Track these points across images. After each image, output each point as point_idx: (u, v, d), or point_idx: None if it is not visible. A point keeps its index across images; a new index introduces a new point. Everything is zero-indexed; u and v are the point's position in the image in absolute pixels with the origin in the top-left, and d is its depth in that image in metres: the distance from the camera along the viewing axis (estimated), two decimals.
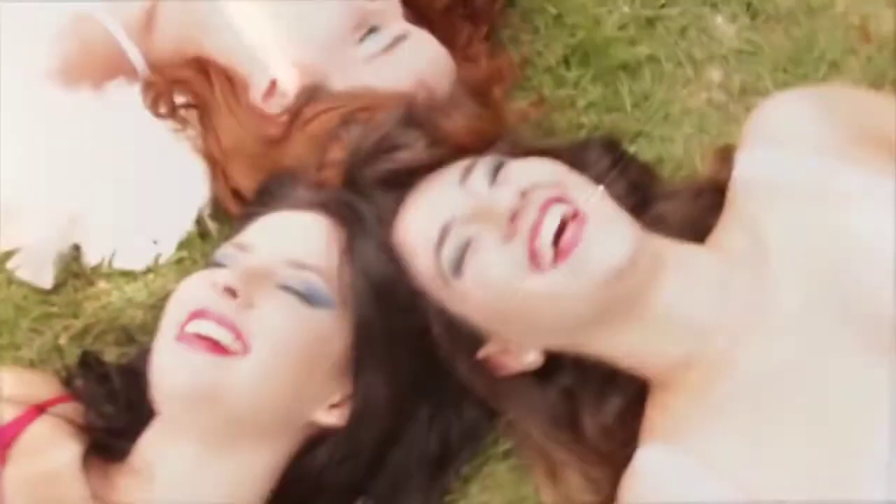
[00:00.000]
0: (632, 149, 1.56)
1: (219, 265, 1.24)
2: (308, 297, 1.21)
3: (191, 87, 1.47)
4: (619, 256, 1.15)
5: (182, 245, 1.47)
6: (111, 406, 1.30)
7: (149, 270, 1.48)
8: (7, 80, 1.45)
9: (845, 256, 1.16)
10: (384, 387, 1.26)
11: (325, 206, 1.28)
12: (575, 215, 1.16)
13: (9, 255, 1.47)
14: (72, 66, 1.49)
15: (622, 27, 1.67)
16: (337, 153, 1.31)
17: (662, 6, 1.70)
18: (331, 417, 1.25)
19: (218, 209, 1.49)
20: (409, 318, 1.27)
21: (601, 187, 1.27)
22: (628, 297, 1.18)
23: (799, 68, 1.65)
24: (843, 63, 1.64)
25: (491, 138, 1.33)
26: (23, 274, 1.47)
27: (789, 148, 1.24)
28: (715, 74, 1.66)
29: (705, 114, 1.61)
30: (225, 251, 1.26)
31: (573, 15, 1.67)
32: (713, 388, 1.18)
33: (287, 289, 1.21)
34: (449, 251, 1.19)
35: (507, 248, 1.15)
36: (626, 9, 1.69)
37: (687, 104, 1.63)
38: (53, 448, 1.22)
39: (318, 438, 1.26)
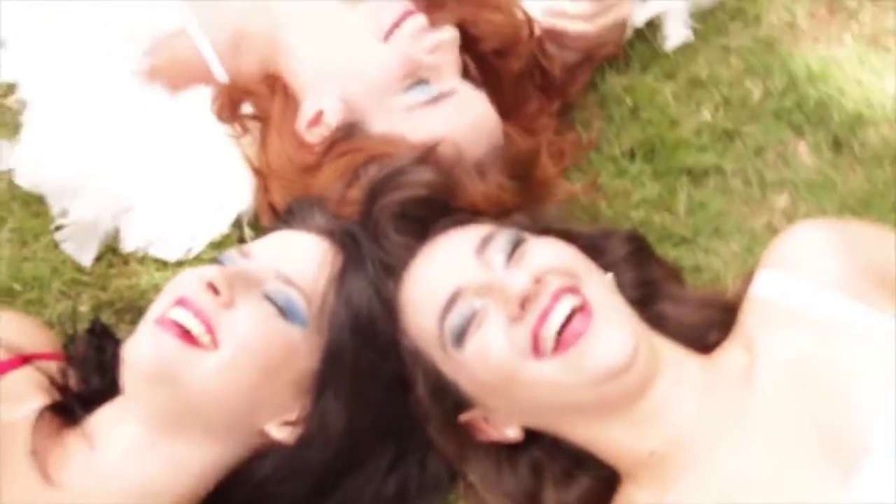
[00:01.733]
0: (673, 253, 1.56)
1: (219, 264, 1.30)
2: (285, 311, 1.24)
3: (259, 100, 1.55)
4: (619, 357, 1.16)
5: (215, 245, 1.54)
6: (98, 377, 1.35)
7: (179, 263, 1.54)
8: (99, 74, 1.57)
9: (831, 385, 1.15)
10: (341, 417, 1.27)
11: (332, 234, 1.32)
12: (583, 307, 1.17)
13: (59, 227, 1.57)
14: (159, 72, 1.59)
15: (697, 133, 1.67)
16: (356, 192, 1.35)
17: (746, 122, 1.69)
18: (281, 433, 1.27)
19: (257, 219, 1.55)
20: (383, 361, 1.29)
21: (610, 274, 1.28)
22: (621, 394, 1.18)
23: (868, 211, 1.60)
24: None
25: (508, 209, 1.35)
26: (66, 247, 1.56)
27: (805, 275, 1.23)
28: (781, 200, 1.63)
29: (759, 236, 1.58)
30: (229, 253, 1.31)
31: (651, 111, 1.69)
32: (673, 490, 1.17)
33: (269, 299, 1.24)
34: (454, 319, 1.20)
35: (512, 331, 1.17)
36: (707, 116, 1.69)
37: (744, 223, 1.61)
38: (20, 399, 1.27)
39: (266, 450, 1.28)
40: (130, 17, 1.60)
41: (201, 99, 1.58)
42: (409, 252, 1.30)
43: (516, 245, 1.24)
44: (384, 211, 1.32)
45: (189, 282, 1.25)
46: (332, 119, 1.47)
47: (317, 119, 1.48)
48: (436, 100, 1.48)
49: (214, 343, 1.21)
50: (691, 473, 1.17)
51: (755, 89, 1.72)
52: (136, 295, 1.52)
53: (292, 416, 1.27)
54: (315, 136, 1.48)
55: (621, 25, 1.67)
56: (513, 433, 1.26)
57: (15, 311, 1.47)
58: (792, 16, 1.80)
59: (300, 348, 1.25)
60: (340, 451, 1.29)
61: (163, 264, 1.56)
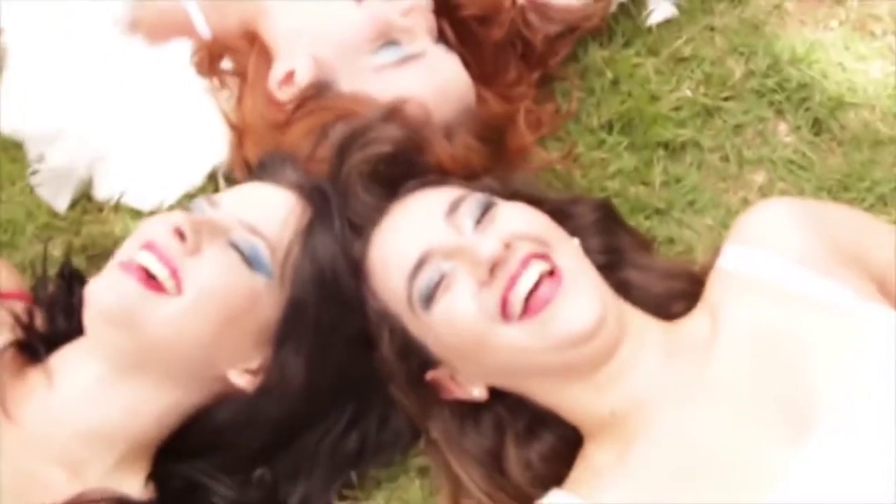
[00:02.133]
0: (646, 224, 1.57)
1: (188, 211, 1.30)
2: (250, 260, 1.25)
3: (238, 56, 1.55)
4: (586, 323, 1.17)
5: (188, 196, 1.54)
6: (64, 318, 1.36)
7: (153, 213, 1.55)
8: (81, 22, 1.59)
9: (789, 353, 1.17)
10: (301, 369, 1.29)
11: (301, 189, 1.33)
12: (552, 273, 1.18)
13: (35, 172, 1.58)
14: (141, 24, 1.61)
15: (676, 108, 1.67)
16: (324, 150, 1.36)
17: (726, 99, 1.69)
18: (241, 380, 1.28)
19: (232, 173, 1.55)
20: (345, 318, 1.30)
21: (576, 240, 1.30)
22: (587, 360, 1.20)
23: (846, 193, 1.60)
24: (891, 199, 1.60)
25: (476, 172, 1.36)
26: (42, 192, 1.58)
27: (770, 249, 1.26)
28: (759, 178, 1.63)
29: (734, 212, 1.57)
30: (198, 202, 1.32)
31: (631, 84, 1.68)
32: (633, 450, 1.19)
33: (234, 247, 1.25)
34: (423, 282, 1.21)
35: (480, 295, 1.18)
36: (687, 93, 1.69)
37: (719, 198, 1.61)
38: None
39: (225, 398, 1.29)
40: None
41: (181, 52, 1.59)
42: (378, 212, 1.31)
43: (486, 209, 1.25)
44: (353, 170, 1.33)
45: (157, 227, 1.26)
46: (303, 78, 1.48)
47: (288, 78, 1.49)
48: (405, 61, 1.48)
49: (178, 288, 1.22)
50: (651, 433, 1.19)
51: (737, 68, 1.71)
52: (110, 242, 1.51)
53: (253, 365, 1.29)
54: (286, 95, 1.48)
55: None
56: (478, 392, 1.27)
57: None
58: None
59: (263, 298, 1.26)
60: (299, 403, 1.31)
61: (137, 213, 1.57)
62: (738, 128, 1.67)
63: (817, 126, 1.67)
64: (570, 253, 1.24)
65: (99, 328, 1.24)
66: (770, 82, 1.70)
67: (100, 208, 1.58)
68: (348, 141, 1.34)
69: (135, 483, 1.26)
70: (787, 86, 1.70)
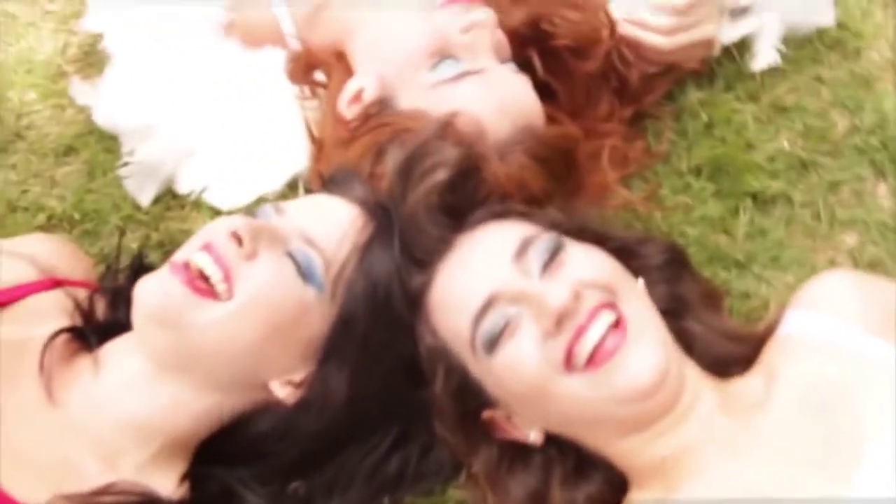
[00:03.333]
0: (723, 275, 1.52)
1: (253, 216, 1.31)
2: (303, 272, 1.25)
3: (327, 71, 1.57)
4: (649, 377, 1.15)
5: (264, 200, 1.56)
6: (126, 309, 1.38)
7: (231, 213, 1.57)
8: (180, 24, 1.64)
9: (842, 399, 1.16)
10: (343, 387, 1.28)
11: (366, 205, 1.33)
12: (618, 323, 1.17)
13: (125, 164, 1.62)
14: (237, 29, 1.64)
15: (771, 158, 1.62)
16: (381, 168, 1.36)
17: (825, 153, 1.63)
18: (283, 391, 1.28)
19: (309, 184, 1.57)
20: (394, 340, 1.29)
21: (641, 281, 1.28)
22: (648, 413, 1.18)
23: None
24: None
25: (534, 194, 1.34)
26: (128, 184, 1.62)
27: (829, 312, 1.24)
28: (850, 239, 1.57)
29: (819, 272, 1.51)
30: (265, 208, 1.33)
31: (726, 130, 1.64)
32: (683, 490, 1.17)
33: (291, 257, 1.25)
34: (488, 326, 1.20)
35: (545, 344, 1.16)
36: (784, 144, 1.63)
37: (805, 256, 1.55)
38: (43, 320, 1.30)
39: (266, 407, 1.29)
40: None
41: (276, 59, 1.61)
42: (444, 244, 1.30)
43: (555, 253, 1.23)
44: (417, 202, 1.31)
45: (217, 229, 1.27)
46: (369, 96, 1.48)
47: (357, 97, 1.50)
48: (461, 76, 1.46)
49: (230, 292, 1.23)
50: (699, 477, 1.17)
51: (840, 122, 1.66)
52: (187, 238, 1.53)
53: (297, 378, 1.28)
54: (352, 113, 1.49)
55: (706, 44, 1.62)
56: (534, 436, 1.26)
57: (60, 237, 1.51)
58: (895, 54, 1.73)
59: (313, 310, 1.26)
60: (339, 420, 1.30)
61: (217, 212, 1.59)
62: (833, 185, 1.61)
63: None
64: (636, 300, 1.22)
65: (144, 326, 1.25)
66: (874, 140, 1.64)
67: (182, 205, 1.61)
68: (407, 168, 1.32)
69: (168, 480, 1.27)
70: (891, 146, 1.63)
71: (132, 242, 1.56)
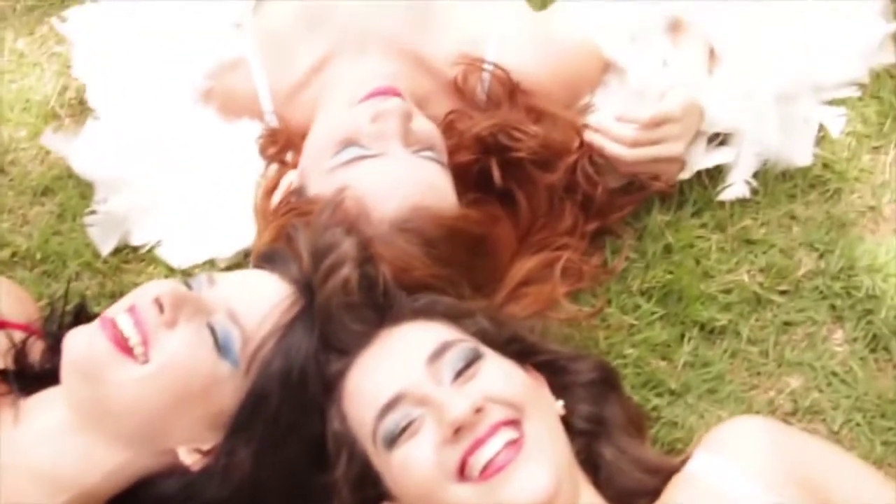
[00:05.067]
0: (655, 401, 1.51)
1: (186, 285, 1.34)
2: (221, 346, 1.27)
3: (296, 153, 1.60)
4: (534, 497, 1.15)
5: (213, 264, 1.61)
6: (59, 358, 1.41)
7: (183, 272, 1.62)
8: (161, 85, 1.69)
9: None
10: (248, 461, 1.29)
11: (297, 284, 1.35)
12: (516, 441, 1.17)
13: (92, 212, 1.67)
14: (215, 97, 1.68)
15: (726, 290, 1.60)
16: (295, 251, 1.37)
17: (783, 292, 1.61)
18: (188, 458, 1.29)
19: None
20: (304, 422, 1.30)
21: (560, 403, 1.30)
22: None
23: (882, 420, 1.51)
24: None
25: (420, 281, 1.37)
26: (92, 232, 1.67)
27: (731, 462, 1.23)
28: (794, 382, 1.55)
29: (755, 411, 1.51)
30: (200, 277, 1.34)
31: (685, 255, 1.63)
32: None
33: (210, 329, 1.28)
34: (390, 423, 1.22)
35: (442, 452, 1.18)
36: (744, 277, 1.62)
37: (744, 393, 1.54)
38: None
39: (173, 471, 1.30)
40: (199, 36, 1.69)
41: (249, 131, 1.65)
42: (365, 338, 1.32)
43: (470, 363, 1.24)
44: (331, 301, 1.32)
45: (144, 293, 1.30)
46: (289, 185, 1.53)
47: (288, 188, 1.54)
48: (356, 160, 1.47)
49: (146, 356, 1.25)
50: None
51: (806, 263, 1.63)
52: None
53: (205, 447, 1.30)
54: (275, 200, 1.53)
55: (670, 162, 1.62)
56: None
57: (6, 280, 1.55)
58: (878, 201, 1.70)
59: (226, 384, 1.28)
60: (240, 493, 1.30)
61: (169, 270, 1.63)
62: (787, 325, 1.59)
63: (875, 342, 1.57)
64: (542, 421, 1.22)
65: (68, 376, 1.27)
66: (837, 286, 1.62)
67: (140, 259, 1.66)
68: (314, 264, 1.33)
69: None
70: (854, 293, 1.61)
71: (87, 290, 1.60)
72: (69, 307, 1.48)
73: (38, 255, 1.65)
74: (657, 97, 1.63)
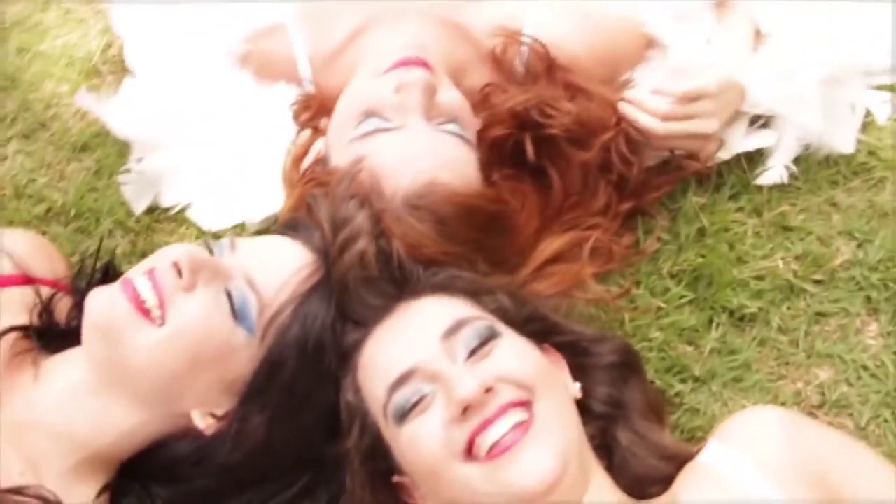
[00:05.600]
0: (678, 387, 1.49)
1: (209, 248, 1.34)
2: (237, 312, 1.28)
3: (328, 119, 1.59)
4: (541, 478, 1.15)
5: (240, 230, 1.61)
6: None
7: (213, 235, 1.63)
8: (198, 47, 1.69)
9: None
10: (262, 427, 1.30)
11: (318, 252, 1.35)
12: (525, 423, 1.17)
13: (127, 170, 1.69)
14: (251, 60, 1.68)
15: (759, 277, 1.57)
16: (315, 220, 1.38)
17: (818, 282, 1.57)
18: (202, 422, 1.31)
19: None
20: (319, 391, 1.31)
21: (577, 386, 1.29)
22: None
23: None
24: None
25: (430, 258, 1.36)
26: (126, 190, 1.69)
27: (746, 453, 1.22)
28: (823, 374, 1.51)
29: (781, 402, 1.47)
30: (223, 242, 1.35)
31: (719, 239, 1.60)
32: None
33: (228, 295, 1.28)
34: (401, 397, 1.22)
35: (450, 430, 1.18)
36: (778, 263, 1.58)
37: (771, 383, 1.50)
38: (7, 315, 1.36)
39: (186, 433, 1.32)
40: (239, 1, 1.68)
41: (284, 96, 1.65)
42: (383, 311, 1.32)
43: (484, 341, 1.24)
44: (348, 276, 1.32)
45: (163, 256, 1.31)
46: (316, 155, 1.53)
47: (317, 155, 1.54)
48: (374, 132, 1.46)
49: (163, 319, 1.26)
50: None
51: (844, 252, 1.60)
52: None
53: (219, 411, 1.32)
54: (303, 167, 1.53)
55: (703, 139, 1.58)
56: None
57: (39, 236, 1.57)
58: None
59: (241, 350, 1.29)
60: (252, 458, 1.32)
61: (202, 232, 1.64)
62: (820, 315, 1.55)
63: None
64: (554, 404, 1.21)
65: (89, 335, 1.29)
66: (874, 277, 1.57)
67: (172, 219, 1.67)
68: (330, 237, 1.33)
69: (86, 491, 1.31)
70: (892, 286, 1.56)
71: (118, 248, 1.62)
72: (99, 265, 1.51)
73: (73, 212, 1.67)
74: (697, 74, 1.59)
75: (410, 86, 1.46)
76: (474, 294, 1.33)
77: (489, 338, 1.24)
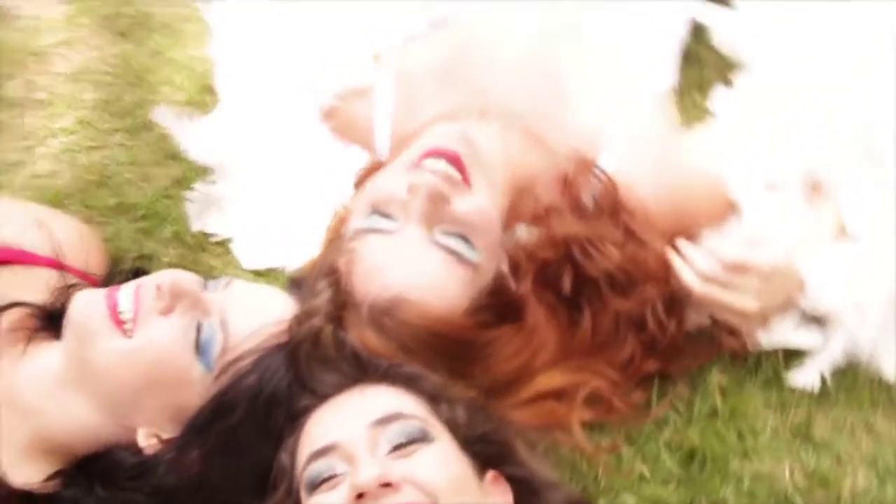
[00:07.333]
0: None
1: (203, 285, 1.39)
2: (200, 346, 1.33)
3: None
4: None
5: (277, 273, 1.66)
6: None
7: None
8: (288, 89, 1.76)
9: None
10: (196, 462, 1.34)
11: (297, 319, 1.38)
12: None
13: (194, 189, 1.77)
14: (334, 116, 1.74)
15: (757, 479, 1.47)
16: None
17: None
18: (145, 441, 1.36)
19: None
20: (260, 444, 1.33)
21: None
22: None
23: None
24: None
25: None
26: (189, 207, 1.77)
27: None
28: None
29: None
30: (222, 278, 1.41)
31: (731, 426, 1.51)
32: None
33: (198, 329, 1.33)
34: (315, 470, 1.24)
35: None
36: (784, 472, 1.48)
37: None
38: (28, 291, 1.46)
39: (130, 447, 1.37)
40: (338, 56, 1.74)
41: (355, 160, 1.68)
42: (338, 389, 1.33)
43: (411, 441, 1.24)
44: (301, 347, 1.36)
45: (152, 277, 1.38)
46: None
47: None
48: (367, 231, 1.44)
49: (132, 332, 1.33)
50: None
51: (860, 480, 1.47)
52: (204, 272, 1.62)
53: (164, 435, 1.36)
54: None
55: (746, 321, 1.52)
56: None
57: (89, 229, 1.67)
58: None
59: (194, 384, 1.34)
60: (183, 489, 1.35)
61: (236, 268, 1.70)
62: None
63: None
64: None
65: (66, 330, 1.36)
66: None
67: (221, 244, 1.73)
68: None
69: (35, 471, 1.37)
70: None
71: (167, 258, 1.70)
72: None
73: (143, 212, 1.77)
74: (760, 248, 1.52)
75: (419, 188, 1.43)
76: (433, 398, 1.32)
77: (417, 439, 1.24)
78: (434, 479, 1.20)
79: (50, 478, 1.37)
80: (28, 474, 1.36)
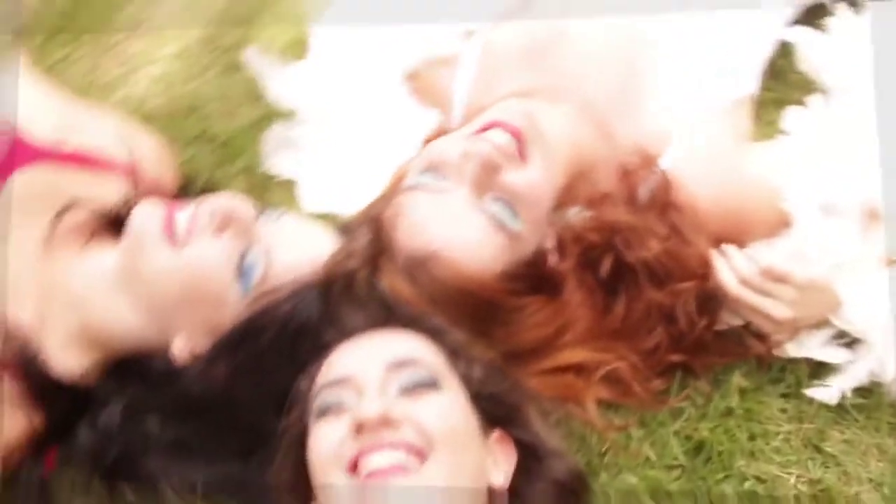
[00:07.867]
0: None
1: (257, 214, 1.48)
2: (242, 271, 1.42)
3: None
4: None
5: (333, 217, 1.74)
6: None
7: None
8: (376, 49, 1.83)
9: None
10: (222, 377, 1.43)
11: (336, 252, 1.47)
12: (407, 469, 1.22)
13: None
14: (416, 80, 1.81)
15: (760, 480, 1.49)
16: None
17: None
18: (178, 350, 1.45)
19: None
20: (285, 368, 1.41)
21: (502, 475, 1.32)
22: None
23: None
24: None
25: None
26: (266, 143, 1.87)
27: None
28: None
29: None
30: (277, 210, 1.52)
31: (743, 426, 1.54)
32: None
33: (242, 257, 1.43)
34: (325, 397, 1.31)
35: (347, 440, 1.24)
36: (790, 480, 1.50)
37: None
38: (93, 195, 1.56)
39: (164, 355, 1.46)
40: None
41: (427, 121, 1.76)
42: (365, 330, 1.40)
43: (419, 387, 1.30)
44: (335, 291, 1.44)
45: (213, 200, 1.46)
46: None
47: None
48: (415, 188, 1.50)
49: (182, 245, 1.42)
50: None
51: (864, 500, 1.48)
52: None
53: (198, 348, 1.45)
54: None
55: (775, 327, 1.54)
56: None
57: (167, 148, 1.75)
58: None
59: (230, 305, 1.43)
60: (205, 399, 1.44)
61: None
62: None
63: None
64: (449, 470, 1.24)
65: (125, 235, 1.46)
66: None
67: (287, 182, 1.84)
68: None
69: (75, 363, 1.47)
70: None
71: (233, 187, 1.79)
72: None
73: (221, 142, 1.86)
74: (804, 262, 1.55)
75: (473, 155, 1.48)
76: (453, 353, 1.38)
77: (426, 385, 1.29)
78: (434, 425, 1.25)
79: (87, 371, 1.47)
80: (69, 363, 1.47)
